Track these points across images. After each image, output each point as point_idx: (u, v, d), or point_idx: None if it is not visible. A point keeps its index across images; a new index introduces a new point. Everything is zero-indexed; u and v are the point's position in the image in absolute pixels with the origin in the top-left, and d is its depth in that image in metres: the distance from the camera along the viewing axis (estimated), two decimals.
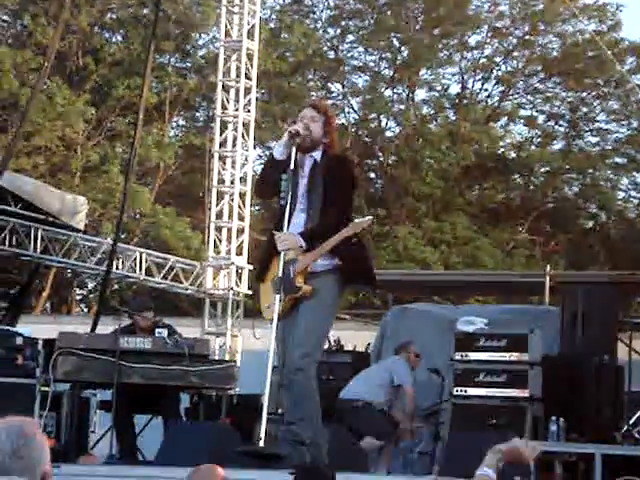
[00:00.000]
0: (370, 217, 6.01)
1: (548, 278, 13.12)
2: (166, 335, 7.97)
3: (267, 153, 6.37)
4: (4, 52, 23.57)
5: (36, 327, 12.34)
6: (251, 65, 17.55)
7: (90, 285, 27.32)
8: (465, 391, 9.10)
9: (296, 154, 5.87)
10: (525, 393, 8.92)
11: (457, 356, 9.19)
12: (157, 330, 8.12)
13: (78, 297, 28.46)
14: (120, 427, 8.23)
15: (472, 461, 7.00)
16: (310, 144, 5.86)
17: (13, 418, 2.47)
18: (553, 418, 8.75)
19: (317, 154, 5.91)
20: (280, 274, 5.73)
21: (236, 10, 17.50)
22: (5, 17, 27.04)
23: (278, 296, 5.77)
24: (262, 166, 6.26)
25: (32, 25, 24.77)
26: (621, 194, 28.57)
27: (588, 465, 8.43)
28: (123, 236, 23.24)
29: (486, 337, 9.19)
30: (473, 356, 9.15)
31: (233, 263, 16.97)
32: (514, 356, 9.04)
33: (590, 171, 27.85)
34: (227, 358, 14.70)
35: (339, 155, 6.04)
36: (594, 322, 9.85)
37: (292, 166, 5.77)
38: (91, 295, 27.62)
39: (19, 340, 8.41)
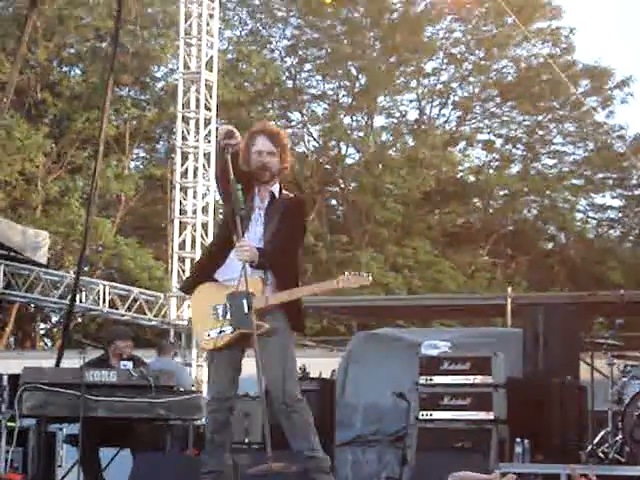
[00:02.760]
0: (369, 278, 5.99)
1: (509, 300, 13.24)
2: (131, 367, 7.98)
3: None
4: None
5: (1, 362, 12.30)
6: (210, 96, 17.65)
7: (54, 319, 27.20)
8: (431, 414, 9.15)
9: (256, 185, 5.92)
10: (490, 415, 8.99)
11: (422, 380, 9.25)
12: (122, 363, 8.13)
13: (42, 331, 28.30)
14: (86, 461, 8.22)
15: None
16: (269, 178, 5.87)
17: None
18: (518, 439, 8.83)
19: (276, 187, 5.94)
20: (237, 293, 5.68)
21: (194, 42, 17.62)
22: None
23: (229, 328, 5.78)
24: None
25: None
26: (579, 215, 28.92)
27: None
28: (86, 269, 23.17)
29: (450, 360, 9.26)
30: (438, 380, 9.21)
31: None
32: (478, 379, 9.11)
33: (548, 193, 28.15)
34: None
35: (300, 199, 6.07)
36: (556, 343, 9.96)
37: (231, 175, 5.74)
38: (55, 329, 27.48)
39: None
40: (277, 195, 5.91)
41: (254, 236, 5.81)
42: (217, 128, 6.17)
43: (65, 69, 27.26)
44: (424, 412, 9.16)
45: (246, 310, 5.67)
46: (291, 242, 5.84)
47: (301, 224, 5.93)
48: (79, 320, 24.63)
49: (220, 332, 5.76)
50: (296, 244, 5.91)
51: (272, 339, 5.78)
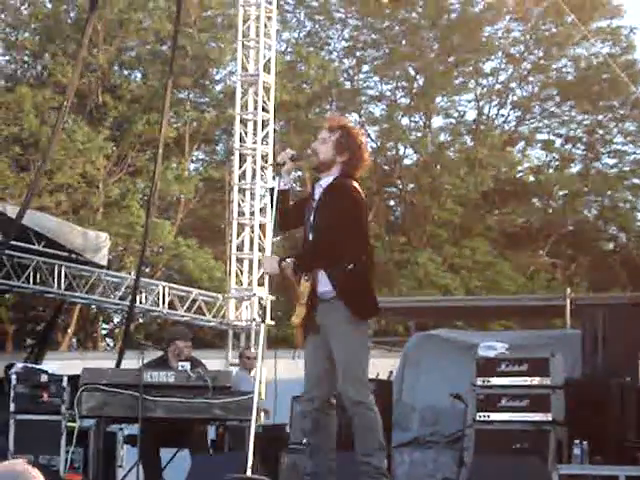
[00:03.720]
0: (288, 261, 5.77)
1: (569, 301, 13.15)
2: (189, 368, 8.06)
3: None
4: (25, 92, 23.87)
5: (62, 363, 12.48)
6: (268, 98, 17.73)
7: (116, 319, 27.50)
8: (488, 416, 9.11)
9: (316, 179, 5.91)
10: (548, 417, 8.93)
11: (479, 381, 9.21)
12: (180, 364, 8.21)
13: (104, 332, 28.64)
14: (146, 461, 8.31)
15: None
16: (319, 166, 5.76)
17: (3, 463, 2.58)
18: (576, 441, 8.77)
19: (328, 179, 5.77)
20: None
21: (252, 44, 17.72)
22: (25, 58, 27.39)
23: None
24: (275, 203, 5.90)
25: (52, 64, 25.09)
26: None
27: None
28: (146, 270, 23.43)
29: (507, 362, 9.21)
30: (495, 381, 9.16)
31: (255, 294, 17.09)
32: (536, 380, 9.05)
33: (609, 193, 27.89)
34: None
35: (340, 183, 5.70)
36: (615, 343, 9.89)
37: (275, 195, 5.78)
38: (117, 330, 27.79)
39: (44, 377, 8.54)
40: (325, 186, 5.75)
41: (311, 237, 5.80)
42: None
43: (125, 72, 27.59)
44: (481, 414, 9.12)
45: None
46: (328, 235, 5.66)
47: (338, 211, 5.64)
48: (140, 321, 24.89)
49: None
50: (335, 234, 5.63)
51: (331, 334, 5.68)
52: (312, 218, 5.78)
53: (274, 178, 5.91)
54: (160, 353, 9.10)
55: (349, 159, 5.73)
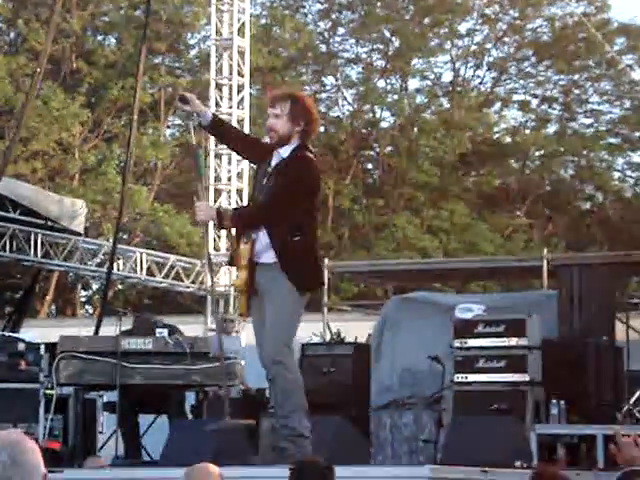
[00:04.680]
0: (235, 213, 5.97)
1: (545, 262, 13.19)
2: (166, 335, 8.06)
3: None
4: None
5: (41, 331, 12.46)
6: (243, 62, 17.66)
7: (94, 286, 27.46)
8: (466, 377, 9.18)
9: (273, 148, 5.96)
10: (525, 377, 9.00)
11: (456, 343, 9.27)
12: (157, 330, 8.21)
13: (83, 299, 28.59)
14: (125, 428, 8.33)
15: (475, 446, 7.11)
16: (279, 140, 5.84)
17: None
18: (554, 401, 8.84)
19: (286, 149, 5.85)
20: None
21: (226, 8, 17.61)
22: None
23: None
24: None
25: (25, 30, 24.85)
26: (617, 174, 28.71)
27: (590, 446, 8.52)
28: (124, 236, 23.36)
29: (484, 323, 9.27)
30: (472, 343, 9.22)
31: (224, 263, 17.08)
32: (513, 341, 9.12)
33: (585, 152, 27.94)
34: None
35: (299, 155, 5.82)
36: (592, 304, 9.94)
37: (193, 141, 5.97)
38: (96, 296, 27.74)
39: (21, 345, 8.53)
40: (285, 157, 5.85)
41: (260, 200, 5.88)
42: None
43: (99, 38, 27.37)
44: (459, 375, 9.19)
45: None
46: (280, 198, 5.76)
47: (295, 180, 5.76)
48: (119, 287, 24.85)
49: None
50: (287, 200, 5.75)
51: (267, 297, 5.79)
52: (265, 181, 5.86)
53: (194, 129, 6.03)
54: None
55: (305, 125, 5.86)
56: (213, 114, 6.06)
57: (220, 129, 6.04)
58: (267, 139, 5.96)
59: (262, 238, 5.77)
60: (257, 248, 5.76)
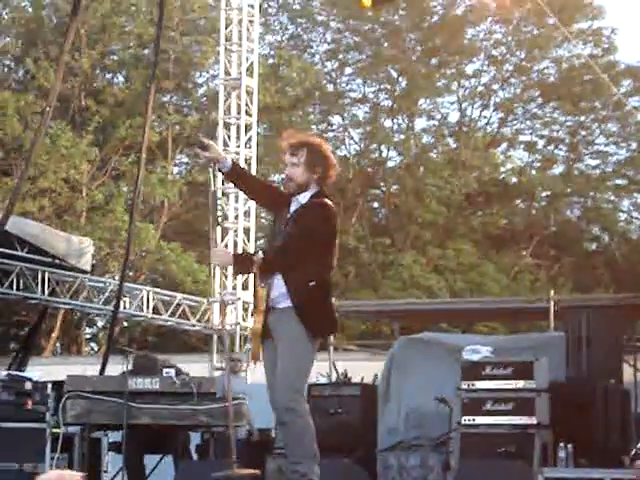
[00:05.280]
0: (259, 256, 5.79)
1: (552, 303, 13.17)
2: (174, 374, 8.05)
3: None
4: (7, 97, 23.80)
5: (47, 369, 12.44)
6: (251, 101, 17.75)
7: (100, 323, 27.44)
8: (473, 420, 9.14)
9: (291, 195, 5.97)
10: (533, 420, 8.96)
11: (464, 385, 9.24)
12: (164, 370, 8.20)
13: (88, 336, 28.56)
14: (131, 468, 8.30)
15: None
16: (297, 189, 5.88)
17: (57, 472, 2.59)
18: (561, 444, 8.80)
19: (305, 196, 5.88)
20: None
21: (235, 48, 17.73)
22: (7, 62, 27.33)
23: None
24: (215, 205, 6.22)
25: (34, 69, 25.02)
26: (623, 215, 28.73)
27: None
28: (130, 274, 23.38)
29: (492, 365, 9.24)
30: (480, 385, 9.20)
31: (239, 298, 17.09)
32: (520, 383, 9.09)
33: (591, 194, 27.98)
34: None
35: (318, 202, 5.85)
36: (599, 346, 9.92)
37: (212, 187, 5.96)
38: (101, 334, 27.72)
39: (28, 385, 8.51)
40: (303, 203, 5.88)
41: (274, 244, 5.89)
42: None
43: (108, 76, 27.54)
44: (466, 417, 9.15)
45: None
46: (297, 243, 5.75)
47: (312, 225, 5.76)
48: (125, 324, 24.84)
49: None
50: (305, 244, 5.74)
51: (280, 342, 5.78)
52: (283, 227, 5.87)
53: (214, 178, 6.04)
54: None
55: (323, 172, 5.89)
56: (232, 160, 6.06)
57: (239, 176, 6.04)
58: (284, 188, 5.97)
59: (277, 283, 5.77)
60: (273, 293, 5.77)
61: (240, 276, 16.98)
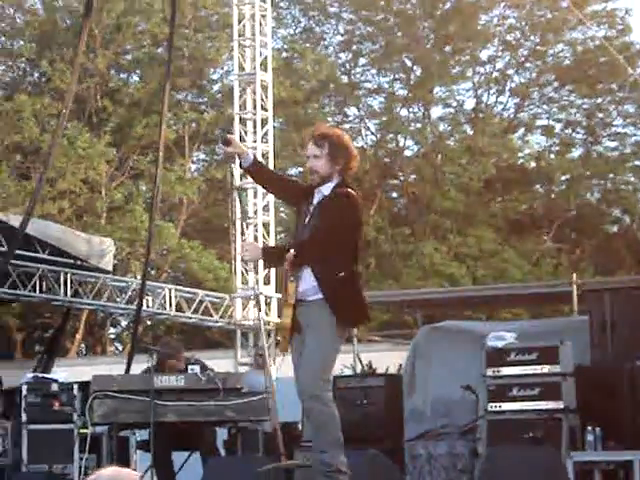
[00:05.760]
0: (291, 252, 5.77)
1: (575, 287, 13.13)
2: (199, 371, 8.06)
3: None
4: (23, 100, 23.88)
5: (72, 370, 12.49)
6: (266, 96, 17.75)
7: (123, 323, 27.54)
8: (500, 406, 9.10)
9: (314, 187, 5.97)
10: (560, 405, 8.92)
11: (489, 372, 9.20)
12: (190, 367, 8.21)
13: (112, 336, 28.68)
14: (159, 465, 8.31)
15: (511, 475, 7.06)
16: (321, 181, 5.92)
17: (113, 469, 2.60)
18: (589, 428, 8.76)
19: (328, 187, 5.92)
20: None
21: (248, 43, 17.73)
22: (22, 65, 27.42)
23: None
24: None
25: (50, 71, 25.11)
26: None
27: (627, 472, 8.45)
28: (152, 272, 23.45)
29: (517, 351, 9.20)
30: (505, 371, 9.16)
31: (261, 293, 17.11)
32: (546, 368, 9.04)
33: (611, 176, 27.87)
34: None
35: (341, 192, 5.89)
36: (624, 327, 9.87)
37: (235, 183, 5.93)
38: (125, 333, 27.82)
39: (54, 386, 8.56)
40: (327, 194, 5.91)
41: (301, 237, 5.90)
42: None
43: (123, 76, 27.60)
44: (493, 404, 9.11)
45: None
46: (325, 234, 5.79)
47: (339, 216, 5.81)
48: (148, 323, 24.93)
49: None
50: (332, 236, 5.79)
51: (307, 337, 5.78)
52: (308, 220, 5.89)
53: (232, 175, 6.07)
54: None
55: (345, 163, 5.94)
56: (254, 156, 6.08)
57: (259, 171, 6.08)
58: (310, 180, 5.98)
59: (306, 275, 5.79)
60: (302, 286, 5.78)
61: (262, 271, 17.01)
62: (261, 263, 16.94)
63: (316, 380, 5.74)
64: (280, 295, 6.08)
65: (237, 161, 6.02)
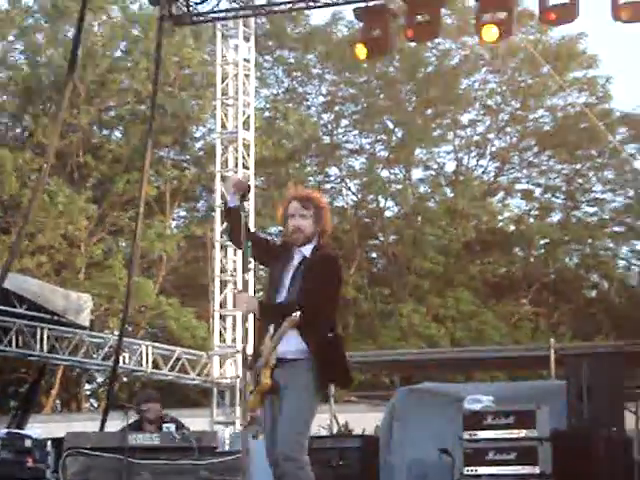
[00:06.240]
0: (296, 314, 5.75)
1: (553, 351, 13.15)
2: (174, 429, 8.00)
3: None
4: (4, 155, 23.90)
5: (47, 426, 12.40)
6: (248, 154, 17.82)
7: (99, 379, 27.35)
8: (476, 470, 9.08)
9: (291, 245, 6.00)
10: (536, 470, 8.91)
11: (466, 435, 9.20)
12: (164, 425, 8.15)
13: (87, 392, 28.45)
14: None
15: None
16: (304, 240, 5.97)
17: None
18: None
19: (309, 247, 5.98)
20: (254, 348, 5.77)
21: (231, 102, 17.82)
22: (5, 120, 27.48)
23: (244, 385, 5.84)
24: (224, 215, 6.32)
25: (33, 125, 25.16)
26: (622, 262, 28.73)
27: None
28: (129, 329, 23.35)
29: (493, 415, 9.20)
30: (482, 434, 9.15)
31: (238, 351, 17.03)
32: (522, 433, 9.04)
33: (590, 241, 28.02)
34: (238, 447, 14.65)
35: (326, 255, 5.99)
36: (601, 393, 9.88)
37: (243, 216, 5.95)
38: (100, 389, 27.62)
39: (28, 442, 8.49)
40: (308, 255, 5.97)
41: (282, 296, 5.88)
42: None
43: (106, 132, 27.68)
44: (469, 468, 9.10)
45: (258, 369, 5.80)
46: (318, 297, 5.81)
47: (329, 279, 5.88)
48: (124, 380, 24.76)
49: (250, 393, 5.86)
50: (324, 299, 5.84)
51: (285, 397, 5.74)
52: (289, 280, 5.90)
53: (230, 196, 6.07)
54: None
55: (322, 231, 6.04)
56: (241, 202, 6.10)
57: (240, 217, 6.08)
58: (291, 238, 5.99)
59: (291, 335, 5.79)
60: (284, 347, 5.77)
61: (240, 329, 16.95)
62: (239, 320, 17.00)
63: (293, 443, 5.69)
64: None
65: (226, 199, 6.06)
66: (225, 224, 6.30)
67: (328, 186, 28.97)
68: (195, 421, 12.97)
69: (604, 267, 27.80)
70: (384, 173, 28.84)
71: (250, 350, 5.97)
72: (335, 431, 13.07)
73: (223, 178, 17.82)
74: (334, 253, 6.09)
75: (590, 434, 9.44)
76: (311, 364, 5.75)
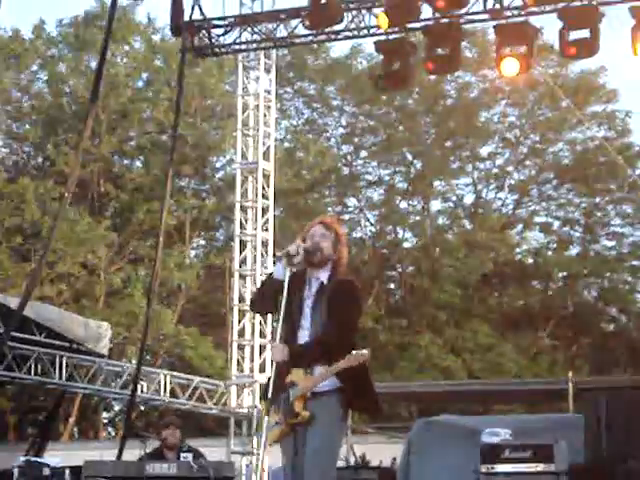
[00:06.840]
0: (366, 351, 5.84)
1: (571, 385, 13.13)
2: (191, 459, 8.03)
3: None
4: (27, 184, 24.08)
5: (64, 454, 12.42)
6: (267, 185, 17.87)
7: (117, 407, 27.37)
8: None
9: (305, 269, 6.01)
10: None
11: (483, 469, 9.16)
12: (182, 455, 8.18)
13: (105, 420, 28.48)
14: None
15: None
16: (320, 259, 6.00)
17: None
18: None
19: (325, 274, 6.01)
20: (270, 389, 5.76)
21: (251, 133, 17.91)
22: (27, 149, 27.71)
23: (267, 418, 5.75)
24: (261, 283, 6.29)
25: (54, 154, 25.34)
26: None
27: None
28: (148, 357, 23.40)
29: (511, 448, 9.17)
30: (499, 468, 9.11)
31: (256, 381, 17.04)
32: (540, 467, 9.01)
33: (608, 274, 27.95)
34: (255, 478, 14.67)
35: (346, 280, 6.03)
36: (619, 428, 9.84)
37: (285, 285, 5.87)
38: (118, 418, 27.64)
39: (46, 470, 8.51)
40: (326, 282, 6.00)
41: (306, 327, 5.93)
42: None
43: (127, 161, 27.86)
44: None
45: (290, 399, 5.78)
46: (348, 328, 5.91)
47: (356, 307, 5.99)
48: (142, 408, 24.78)
49: (276, 424, 5.84)
50: (352, 326, 5.94)
51: (314, 429, 5.77)
52: (309, 308, 5.94)
53: (275, 263, 6.06)
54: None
55: (339, 259, 6.08)
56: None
57: (275, 292, 5.99)
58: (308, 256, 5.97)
59: (319, 368, 5.83)
60: (312, 378, 5.82)
61: (258, 358, 16.99)
62: (257, 350, 17.03)
63: (325, 476, 5.75)
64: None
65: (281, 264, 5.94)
66: (258, 288, 6.23)
67: (347, 217, 29.04)
68: (212, 450, 12.98)
69: (622, 301, 27.72)
70: (402, 204, 28.95)
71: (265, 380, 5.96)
72: (352, 462, 13.06)
73: (242, 208, 17.89)
74: (353, 278, 6.10)
75: (609, 468, 9.39)
76: (342, 397, 5.80)
